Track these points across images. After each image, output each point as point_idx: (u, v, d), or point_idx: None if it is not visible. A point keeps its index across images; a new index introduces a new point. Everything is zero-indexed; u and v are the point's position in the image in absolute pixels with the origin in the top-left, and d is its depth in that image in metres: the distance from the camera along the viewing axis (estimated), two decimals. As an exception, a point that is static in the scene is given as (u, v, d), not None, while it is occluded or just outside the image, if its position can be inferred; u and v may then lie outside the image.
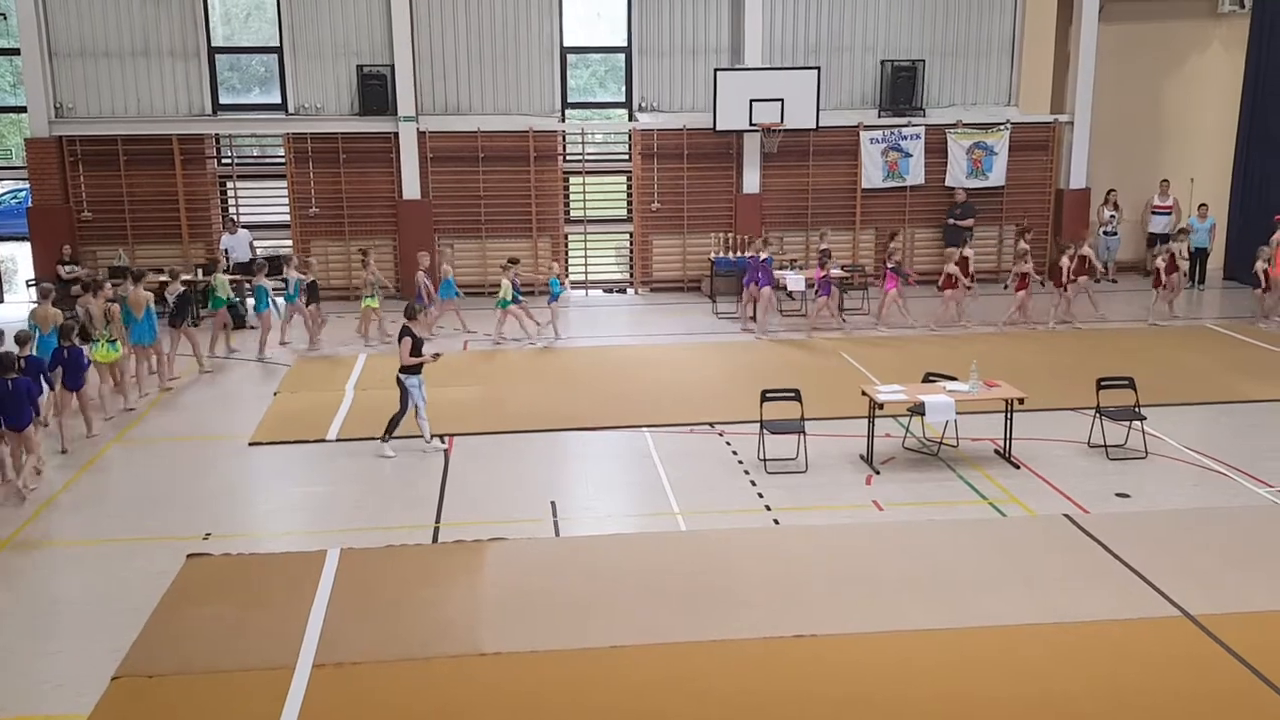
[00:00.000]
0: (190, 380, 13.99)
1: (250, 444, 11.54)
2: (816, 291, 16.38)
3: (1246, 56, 19.68)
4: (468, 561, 8.60)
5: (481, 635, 7.42)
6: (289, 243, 18.63)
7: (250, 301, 16.34)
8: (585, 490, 10.38)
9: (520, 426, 11.90)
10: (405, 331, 11.02)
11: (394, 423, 11.11)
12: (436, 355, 11.31)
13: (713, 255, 18.78)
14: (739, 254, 18.46)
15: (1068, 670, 6.92)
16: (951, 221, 19.25)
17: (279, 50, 18.66)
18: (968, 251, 16.91)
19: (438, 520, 9.46)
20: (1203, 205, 19.69)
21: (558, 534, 9.26)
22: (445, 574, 8.39)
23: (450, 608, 7.83)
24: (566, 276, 18.91)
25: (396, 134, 18.57)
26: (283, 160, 18.91)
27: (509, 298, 15.39)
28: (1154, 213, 20.15)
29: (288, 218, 18.96)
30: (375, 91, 18.45)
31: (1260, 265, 16.32)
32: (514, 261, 15.77)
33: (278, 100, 18.85)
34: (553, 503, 9.85)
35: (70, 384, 11.44)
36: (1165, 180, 20.16)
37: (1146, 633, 7.36)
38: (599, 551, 8.84)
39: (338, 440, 11.63)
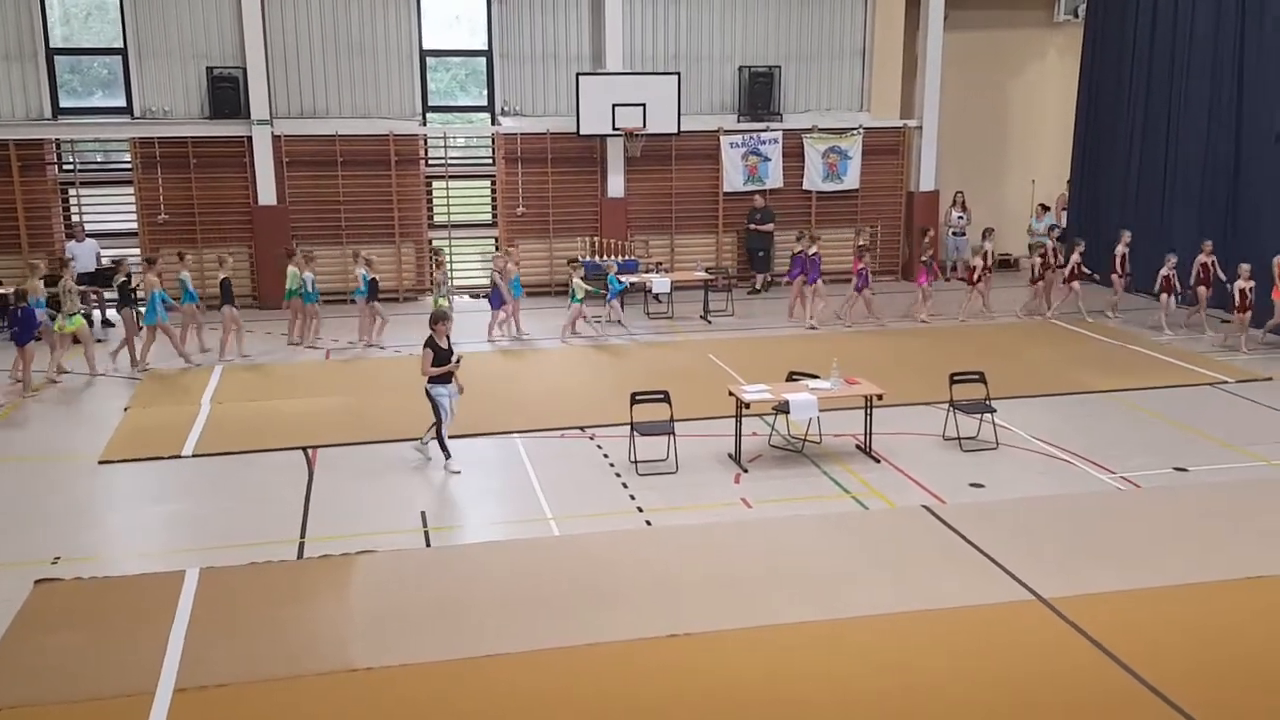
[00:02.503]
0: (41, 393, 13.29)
1: (100, 462, 11.00)
2: (856, 286, 16.90)
3: (1081, 63, 20.83)
4: (335, 576, 8.39)
5: (352, 651, 7.25)
6: (137, 251, 17.84)
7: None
8: (456, 498, 10.26)
9: (386, 436, 11.68)
10: (428, 341, 10.52)
11: (439, 435, 10.70)
12: (458, 361, 10.65)
13: (581, 258, 18.78)
14: (603, 257, 18.59)
15: (931, 656, 7.18)
16: (752, 226, 19.60)
17: (123, 52, 17.89)
18: (988, 245, 17.66)
19: (302, 535, 9.20)
20: (1043, 206, 20.75)
21: (428, 544, 9.12)
22: (312, 590, 8.17)
23: (318, 624, 7.63)
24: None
25: (250, 138, 18.02)
26: (129, 166, 18.11)
27: (581, 295, 15.92)
28: (1063, 210, 21.08)
29: (136, 225, 18.17)
30: (226, 94, 17.86)
31: (1241, 284, 14.88)
32: (573, 262, 16.57)
33: (123, 103, 18.07)
34: (423, 513, 9.70)
35: (19, 339, 13.21)
36: (1070, 179, 21.16)
37: (1003, 617, 7.70)
38: (471, 560, 8.75)
39: (194, 456, 11.19)
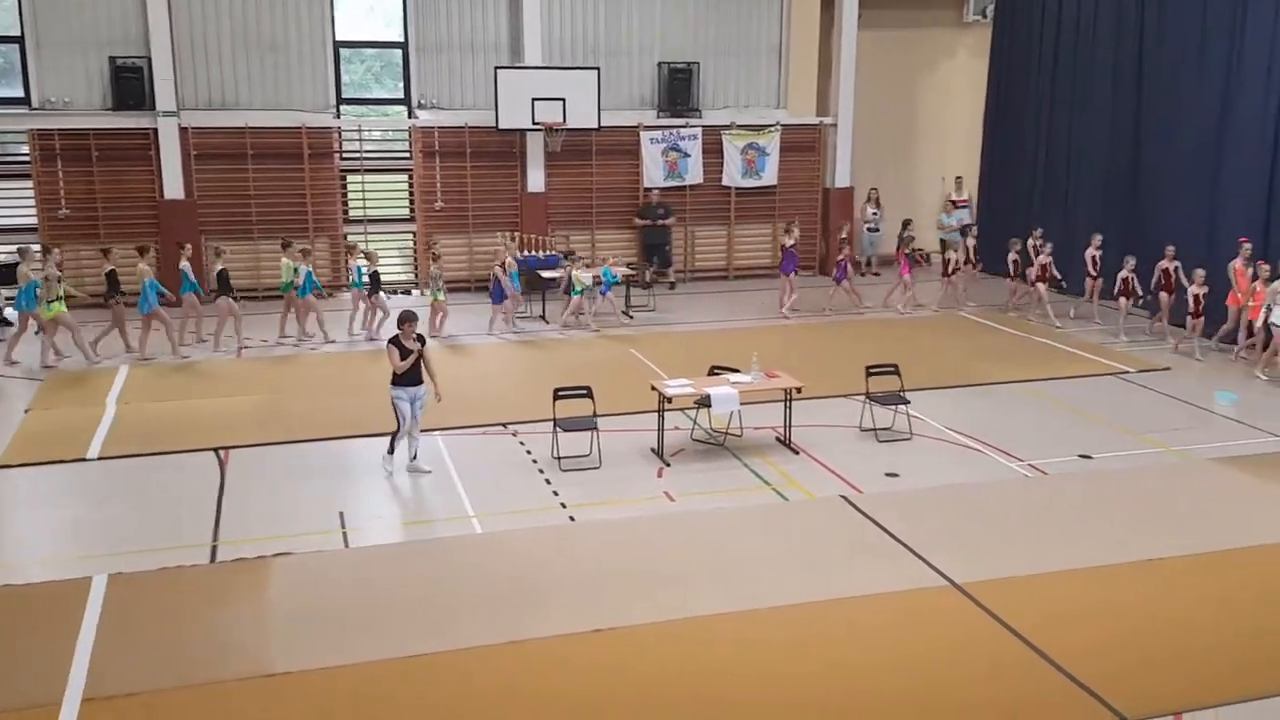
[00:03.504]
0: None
1: (-1, 466, 10.61)
2: (836, 276, 17.44)
3: (990, 62, 21.33)
4: (251, 579, 8.21)
5: (270, 655, 7.11)
6: (36, 247, 17.20)
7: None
8: (375, 498, 10.11)
9: (302, 435, 11.47)
10: (393, 339, 10.19)
11: (393, 436, 10.39)
12: (418, 357, 10.20)
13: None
14: (529, 252, 18.48)
15: (850, 642, 7.32)
16: (656, 222, 19.52)
17: (20, 40, 17.22)
18: (970, 242, 17.99)
19: (215, 538, 8.99)
20: (953, 202, 21.21)
21: (347, 545, 8.99)
22: (227, 594, 7.99)
23: (234, 629, 7.47)
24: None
25: (156, 130, 17.52)
26: (27, 158, 17.45)
27: (581, 287, 16.14)
28: (956, 206, 21.41)
29: (35, 220, 17.53)
30: (131, 85, 17.33)
31: (1195, 289, 14.67)
32: (570, 256, 16.80)
33: (20, 94, 17.39)
34: (341, 513, 9.54)
35: None
36: (960, 176, 21.57)
37: (919, 602, 7.88)
38: (392, 560, 8.64)
39: (100, 459, 10.85)
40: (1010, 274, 17.43)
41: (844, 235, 18.39)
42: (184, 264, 15.09)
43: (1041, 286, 16.85)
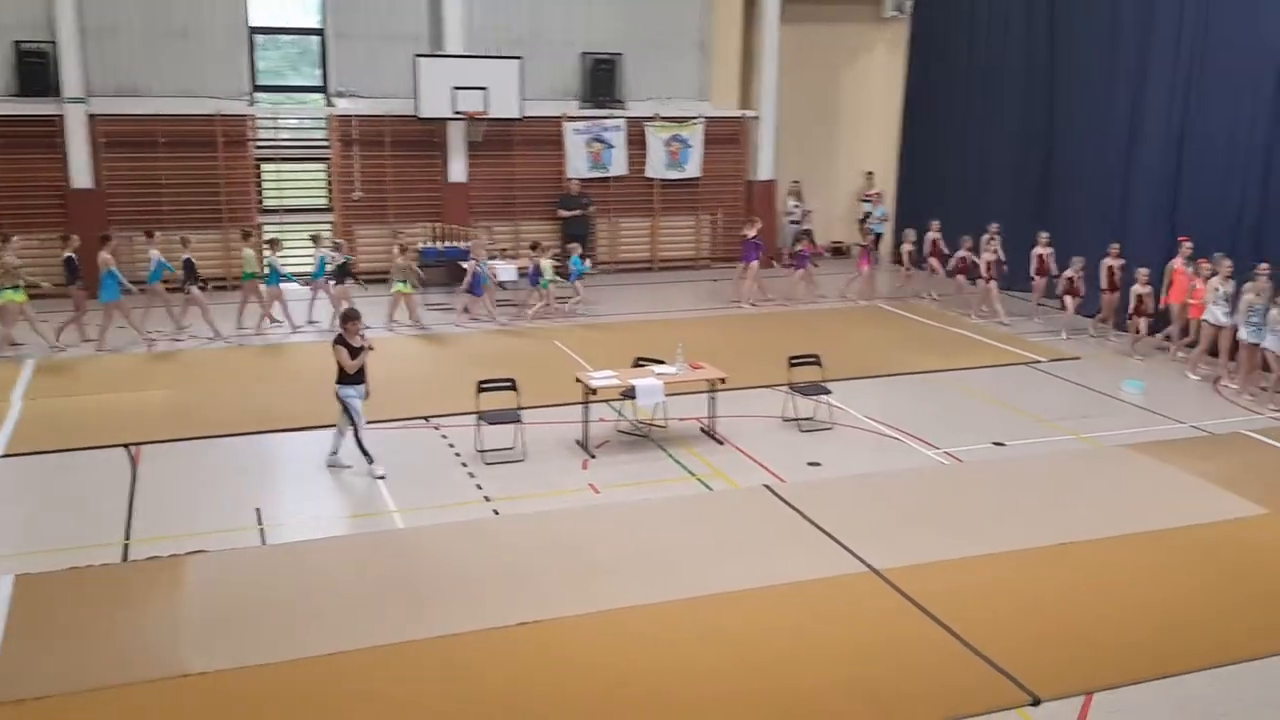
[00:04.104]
0: None
1: (-105, 466, 10.19)
2: (795, 266, 18.16)
3: (907, 57, 21.69)
4: (165, 578, 8.02)
5: (186, 655, 6.95)
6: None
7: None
8: (293, 494, 9.94)
9: (217, 431, 11.22)
10: (338, 338, 9.93)
11: (357, 439, 10.04)
12: (368, 351, 10.07)
13: (420, 245, 18.46)
14: (448, 243, 18.33)
15: (774, 629, 7.40)
16: (579, 211, 19.51)
17: (-85, 22, 16.56)
18: (932, 235, 18.22)
19: (127, 537, 8.75)
20: (877, 193, 21.54)
21: (264, 542, 8.82)
22: (140, 593, 7.79)
23: (148, 629, 7.28)
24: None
25: (62, 117, 16.95)
26: (-76, 145, 16.80)
27: (551, 278, 16.35)
28: (864, 201, 21.70)
29: (-67, 209, 16.88)
30: (35, 70, 16.77)
31: (1138, 289, 14.56)
32: (537, 246, 16.79)
33: (-84, 78, 16.73)
34: (258, 509, 9.36)
35: None
36: (870, 172, 21.88)
37: (840, 589, 8.00)
38: (311, 556, 8.50)
39: (5, 456, 10.49)
40: (960, 269, 17.44)
41: (807, 227, 19.15)
42: (154, 251, 14.89)
43: (993, 284, 16.75)
